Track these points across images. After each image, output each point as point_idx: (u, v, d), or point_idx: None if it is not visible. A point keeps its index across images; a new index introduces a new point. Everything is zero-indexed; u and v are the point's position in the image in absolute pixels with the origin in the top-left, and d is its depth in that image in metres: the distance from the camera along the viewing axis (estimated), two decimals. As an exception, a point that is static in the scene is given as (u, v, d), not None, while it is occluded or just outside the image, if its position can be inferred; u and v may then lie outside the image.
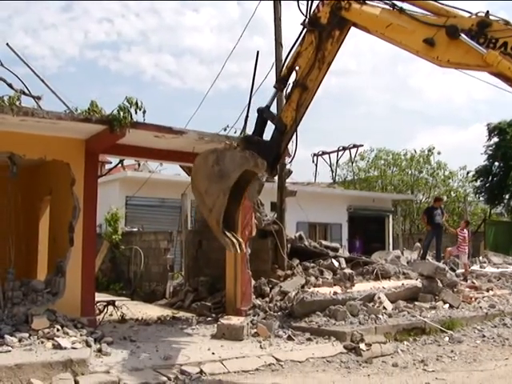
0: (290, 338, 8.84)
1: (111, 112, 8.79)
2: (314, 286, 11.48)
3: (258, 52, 13.64)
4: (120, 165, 18.62)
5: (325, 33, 7.06)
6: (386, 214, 28.59)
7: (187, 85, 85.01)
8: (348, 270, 12.52)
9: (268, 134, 7.78)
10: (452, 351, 8.63)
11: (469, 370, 7.59)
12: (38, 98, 10.36)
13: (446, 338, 9.46)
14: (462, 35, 6.00)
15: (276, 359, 7.73)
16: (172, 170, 22.33)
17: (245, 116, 12.30)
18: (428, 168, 39.01)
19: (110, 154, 12.15)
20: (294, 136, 7.56)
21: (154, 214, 20.29)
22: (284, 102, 8.63)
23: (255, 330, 9.18)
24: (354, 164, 38.04)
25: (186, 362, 7.33)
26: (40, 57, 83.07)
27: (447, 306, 11.36)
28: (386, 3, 6.64)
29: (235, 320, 9.43)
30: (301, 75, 7.29)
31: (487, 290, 13.65)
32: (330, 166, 35.41)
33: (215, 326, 9.47)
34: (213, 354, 7.77)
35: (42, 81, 11.52)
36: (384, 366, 7.80)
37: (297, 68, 7.38)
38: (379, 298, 10.65)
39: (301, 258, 12.96)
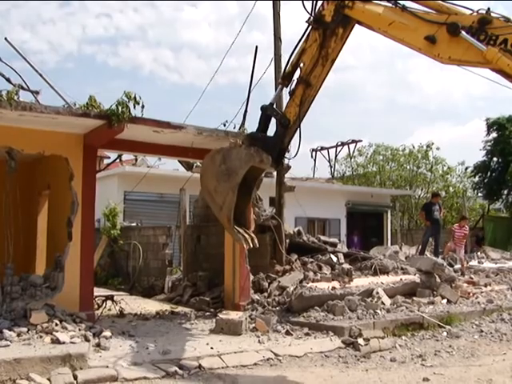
0: (288, 333, 8.86)
1: (110, 107, 8.78)
2: (313, 281, 11.49)
3: (256, 47, 13.70)
4: (118, 160, 18.63)
5: (329, 30, 7.20)
6: (384, 210, 28.61)
7: (186, 80, 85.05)
8: (346, 265, 12.54)
9: (271, 131, 7.89)
10: (450, 346, 8.65)
11: (467, 365, 7.60)
12: (36, 93, 10.35)
13: (444, 333, 9.47)
14: (463, 32, 6.08)
15: (274, 354, 7.74)
16: (170, 165, 22.27)
17: (244, 111, 12.34)
18: (426, 163, 38.99)
19: (109, 149, 12.15)
20: (298, 131, 7.67)
21: (152, 208, 20.29)
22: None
23: (254, 325, 9.19)
24: (352, 159, 38.09)
25: (184, 356, 7.33)
26: (38, 51, 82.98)
27: (445, 301, 11.38)
28: (389, 1, 6.73)
29: (234, 315, 9.46)
30: (305, 72, 7.42)
31: (485, 286, 13.68)
32: (329, 162, 35.47)
33: (214, 320, 9.49)
34: (211, 348, 7.78)
35: (41, 75, 11.52)
36: (382, 360, 7.81)
37: (301, 65, 7.48)
38: (377, 293, 10.66)
39: (299, 253, 12.98)
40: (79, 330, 7.90)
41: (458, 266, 15.72)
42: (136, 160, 24.13)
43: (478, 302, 11.69)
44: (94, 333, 7.92)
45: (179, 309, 11.62)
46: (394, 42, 6.74)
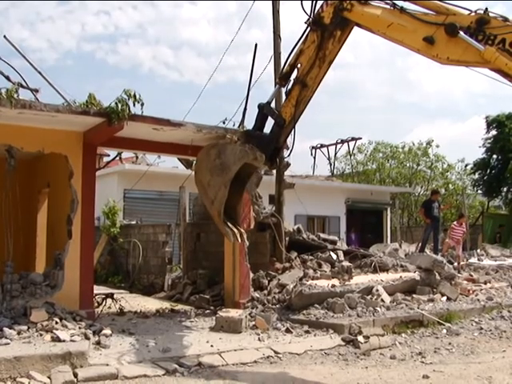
0: (288, 331, 8.87)
1: (109, 104, 8.77)
2: (312, 279, 11.49)
3: (256, 45, 13.66)
4: (118, 158, 18.61)
5: (327, 32, 7.23)
6: (384, 207, 28.61)
7: (185, 77, 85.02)
8: (346, 263, 12.53)
9: (268, 129, 7.94)
10: (450, 343, 8.66)
11: (466, 363, 7.61)
12: (35, 91, 10.33)
13: (444, 331, 9.49)
14: (461, 33, 6.11)
15: (274, 351, 7.75)
16: (170, 163, 22.38)
17: (243, 109, 12.31)
18: (426, 161, 39.00)
19: (108, 147, 12.14)
20: (293, 131, 7.75)
21: (152, 206, 20.28)
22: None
23: (253, 323, 9.20)
24: (352, 157, 38.08)
25: (184, 354, 7.35)
26: (37, 49, 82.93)
27: (445, 298, 11.40)
28: (387, 3, 6.76)
29: (234, 313, 9.45)
30: (301, 73, 7.46)
31: (485, 283, 13.68)
32: (329, 159, 35.43)
33: (214, 318, 9.49)
34: (211, 346, 7.79)
35: (40, 73, 11.50)
36: (382, 358, 7.82)
37: (298, 65, 7.53)
38: (377, 290, 10.67)
39: (299, 251, 12.99)
40: (79, 328, 7.89)
41: (456, 264, 15.74)
42: (136, 158, 24.13)
43: (478, 300, 11.70)
44: (94, 331, 7.92)
45: (179, 307, 11.62)
46: (394, 43, 6.77)
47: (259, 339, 8.34)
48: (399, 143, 39.68)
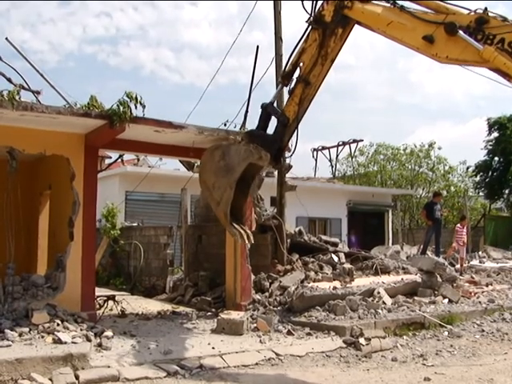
0: (289, 333, 8.86)
1: (111, 107, 8.78)
2: (314, 281, 11.50)
3: (257, 47, 13.70)
4: (120, 160, 18.64)
5: (328, 30, 7.27)
6: (385, 209, 28.58)
7: (186, 80, 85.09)
8: (347, 265, 12.54)
9: (271, 130, 7.95)
10: (451, 346, 8.65)
11: (468, 365, 7.60)
12: (37, 93, 10.33)
13: (446, 333, 9.48)
14: (460, 32, 6.15)
15: (276, 354, 7.74)
16: (172, 165, 22.35)
17: (245, 111, 12.33)
18: (428, 163, 38.99)
19: (110, 149, 12.16)
20: (296, 131, 7.74)
21: (153, 208, 20.30)
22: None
23: (255, 325, 9.19)
24: (353, 159, 38.10)
25: (186, 356, 7.35)
26: (39, 51, 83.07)
27: (446, 300, 11.38)
28: (388, 1, 6.80)
29: (235, 315, 9.46)
30: (304, 71, 7.49)
31: (486, 285, 13.67)
32: (330, 161, 35.53)
33: (215, 320, 9.50)
34: (213, 348, 7.79)
35: (42, 75, 11.50)
36: (383, 360, 7.81)
37: (301, 64, 7.56)
38: (379, 292, 10.66)
39: (300, 253, 12.98)
40: (81, 329, 7.90)
41: (458, 266, 15.73)
42: (137, 160, 24.15)
43: (480, 302, 11.68)
44: (95, 333, 7.92)
45: (181, 309, 11.63)
46: (393, 41, 6.80)
47: (261, 341, 8.34)
48: (401, 145, 39.73)
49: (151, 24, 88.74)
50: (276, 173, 12.95)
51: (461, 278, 13.84)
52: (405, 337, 9.14)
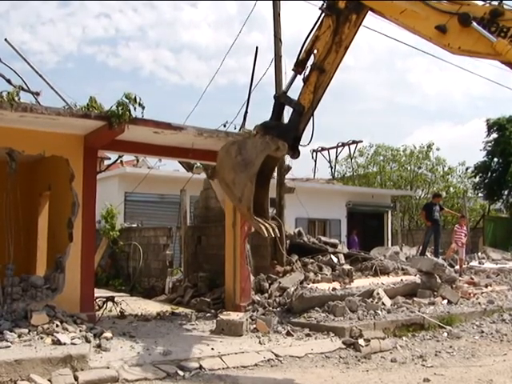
0: (289, 334, 8.86)
1: (110, 108, 8.77)
2: (313, 282, 11.50)
3: (257, 48, 13.73)
4: (119, 161, 18.64)
5: (342, 17, 7.21)
6: (384, 210, 28.58)
7: (185, 80, 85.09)
8: (347, 266, 12.54)
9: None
10: (450, 347, 8.65)
11: (467, 366, 7.61)
12: (36, 94, 10.33)
13: (445, 334, 9.48)
14: (474, 23, 6.10)
15: (275, 355, 7.74)
16: (171, 166, 22.29)
17: (244, 111, 12.33)
18: (427, 164, 39.02)
19: (109, 150, 12.14)
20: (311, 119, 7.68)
21: (153, 209, 20.30)
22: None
23: (254, 326, 9.20)
24: (352, 160, 38.11)
25: (185, 357, 7.34)
26: (38, 52, 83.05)
27: (446, 301, 11.39)
28: None
29: (234, 316, 9.45)
30: (318, 58, 7.42)
31: (486, 286, 13.69)
32: (329, 162, 35.50)
33: (214, 321, 9.50)
34: (212, 349, 7.79)
35: (41, 76, 11.51)
36: (383, 361, 7.82)
37: (315, 51, 7.50)
38: (378, 293, 10.67)
39: (300, 254, 12.98)
40: (80, 331, 7.90)
41: (457, 267, 15.73)
42: (137, 161, 24.16)
43: (479, 303, 11.70)
44: (94, 334, 7.92)
45: (180, 310, 11.63)
46: (405, 30, 6.75)
47: (260, 342, 8.34)
48: (400, 146, 39.76)
49: (150, 25, 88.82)
50: (275, 174, 12.93)
51: (460, 278, 13.85)
52: (404, 338, 9.15)
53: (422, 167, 39.15)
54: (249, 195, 7.31)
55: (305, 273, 12.13)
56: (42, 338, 7.37)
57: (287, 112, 7.85)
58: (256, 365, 7.38)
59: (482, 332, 9.75)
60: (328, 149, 34.93)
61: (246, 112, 13.06)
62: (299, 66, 7.72)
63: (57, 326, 7.80)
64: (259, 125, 7.96)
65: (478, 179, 33.79)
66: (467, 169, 36.46)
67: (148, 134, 9.64)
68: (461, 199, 34.43)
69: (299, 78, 7.73)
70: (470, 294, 12.35)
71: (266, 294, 11.31)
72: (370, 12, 7.15)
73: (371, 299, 10.46)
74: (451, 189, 38.59)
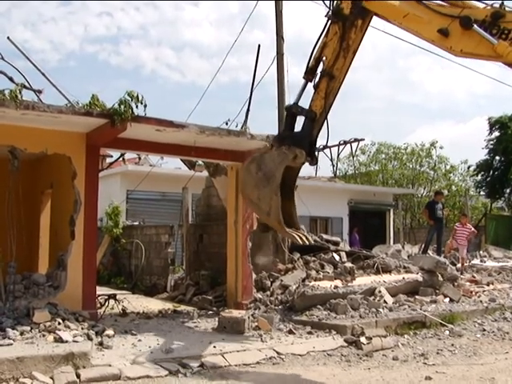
0: (290, 332, 8.86)
1: (112, 106, 8.77)
2: (315, 280, 11.50)
3: (259, 46, 13.74)
4: (121, 159, 18.64)
5: (348, 23, 7.34)
6: (386, 208, 28.56)
7: (187, 78, 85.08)
8: (349, 264, 12.54)
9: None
10: (452, 345, 8.65)
11: (469, 364, 7.60)
12: (38, 92, 10.34)
13: (447, 332, 9.48)
14: (475, 26, 6.16)
15: (277, 352, 7.74)
16: (173, 164, 22.39)
17: (246, 109, 12.32)
18: (429, 162, 38.98)
19: (111, 148, 12.14)
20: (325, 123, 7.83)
21: (155, 207, 20.31)
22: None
23: (256, 324, 9.19)
24: (354, 158, 38.04)
25: (187, 355, 7.34)
26: (40, 50, 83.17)
27: (448, 299, 11.38)
28: None
29: (236, 314, 9.45)
30: (327, 65, 7.56)
31: (488, 284, 13.66)
32: (331, 160, 35.27)
33: (216, 319, 9.50)
34: (214, 347, 7.79)
35: (43, 74, 11.50)
36: (384, 359, 7.81)
37: (323, 58, 7.62)
38: (380, 291, 10.66)
39: (302, 252, 12.98)
40: (82, 328, 7.90)
41: (459, 265, 15.70)
42: (139, 159, 24.15)
43: (481, 301, 11.69)
44: (96, 331, 7.92)
45: (182, 307, 11.64)
46: (409, 33, 6.86)
47: (262, 340, 8.34)
48: (402, 144, 39.71)
49: (152, 23, 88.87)
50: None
51: (462, 277, 13.82)
52: (406, 336, 9.14)
53: (424, 165, 39.11)
54: (276, 208, 7.40)
55: (307, 271, 12.13)
56: (44, 336, 7.38)
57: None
58: (258, 363, 7.38)
59: (484, 330, 9.75)
60: (330, 147, 34.77)
61: (248, 110, 13.10)
62: (309, 74, 7.84)
63: (59, 323, 7.80)
64: (274, 137, 8.19)
65: (479, 177, 33.76)
66: (469, 167, 36.45)
67: (150, 132, 9.64)
68: (463, 197, 34.38)
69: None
70: (471, 292, 12.33)
71: (268, 292, 11.32)
72: (375, 17, 7.27)
73: (373, 297, 10.46)
74: (453, 187, 38.54)
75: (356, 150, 36.39)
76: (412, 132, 72.69)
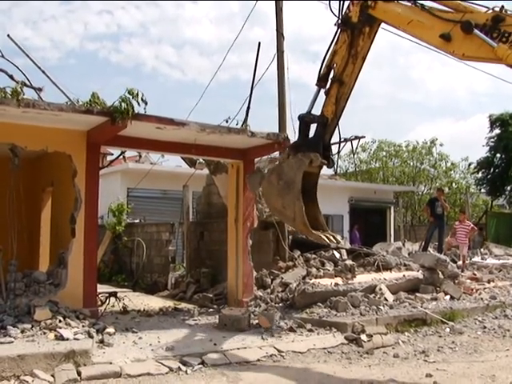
0: (291, 329, 8.85)
1: (113, 103, 8.75)
2: (316, 278, 11.49)
3: (259, 43, 13.72)
4: (121, 156, 18.63)
5: (356, 30, 7.67)
6: (387, 206, 28.55)
7: (188, 76, 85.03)
8: (349, 262, 12.52)
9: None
10: (453, 342, 8.65)
11: (469, 361, 7.60)
12: (39, 90, 10.34)
13: (447, 329, 9.47)
14: (475, 30, 6.31)
15: (277, 350, 7.74)
16: (173, 162, 22.25)
17: (246, 107, 12.32)
18: (430, 159, 38.96)
19: (112, 146, 12.13)
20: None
21: (155, 205, 20.31)
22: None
23: (257, 321, 9.20)
24: (355, 155, 38.03)
25: (187, 352, 7.34)
26: (40, 48, 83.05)
27: (448, 297, 11.38)
28: (409, 1, 7.12)
29: (237, 311, 9.46)
30: (337, 71, 7.89)
31: (488, 282, 13.66)
32: (332, 158, 35.34)
33: (217, 317, 9.51)
34: (215, 344, 7.80)
35: (43, 72, 11.50)
36: (385, 356, 7.81)
37: (334, 65, 7.93)
38: (380, 289, 10.67)
39: (302, 250, 12.99)
40: (83, 326, 7.91)
41: (460, 263, 15.70)
42: (139, 157, 24.14)
43: (481, 298, 11.69)
44: (97, 329, 7.93)
45: (182, 305, 11.65)
46: (414, 39, 7.12)
47: (262, 338, 8.34)
48: (403, 142, 39.70)
49: (152, 21, 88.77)
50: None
51: (462, 274, 13.83)
52: (406, 333, 9.14)
53: (425, 163, 39.11)
54: (300, 213, 7.65)
55: (307, 268, 12.14)
56: (44, 334, 7.38)
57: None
58: (258, 360, 7.38)
59: (485, 327, 9.74)
60: (330, 144, 34.82)
61: (249, 108, 13.05)
62: (322, 81, 8.13)
63: (60, 321, 7.81)
64: (288, 147, 8.58)
65: (480, 175, 33.74)
66: (470, 164, 36.45)
67: (151, 130, 9.64)
68: (463, 195, 34.39)
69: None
70: (472, 289, 12.33)
71: (269, 290, 11.33)
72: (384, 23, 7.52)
73: (373, 295, 10.46)
74: (454, 184, 38.55)
75: (357, 148, 36.54)
76: (412, 129, 72.69)
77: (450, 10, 6.79)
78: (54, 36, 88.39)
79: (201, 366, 6.99)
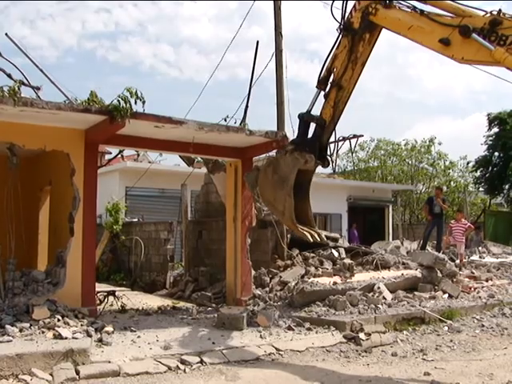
0: (289, 328, 8.86)
1: (111, 102, 8.75)
2: (314, 276, 11.50)
3: (257, 42, 13.74)
4: (120, 155, 18.63)
5: (357, 36, 7.77)
6: (385, 204, 28.59)
7: (186, 75, 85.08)
8: (348, 260, 12.54)
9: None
10: (451, 341, 8.66)
11: (468, 360, 7.62)
12: (37, 89, 10.32)
13: (445, 328, 9.48)
14: (473, 34, 6.39)
15: (276, 349, 7.75)
16: (172, 161, 22.36)
17: (245, 106, 12.32)
18: (428, 158, 38.99)
19: (110, 145, 12.12)
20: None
21: (154, 204, 20.32)
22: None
23: (255, 320, 9.19)
24: (354, 154, 38.07)
25: (186, 351, 7.35)
26: (38, 47, 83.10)
27: (446, 295, 11.39)
28: (409, 7, 7.21)
29: (235, 310, 9.47)
30: (337, 76, 8.03)
31: (486, 280, 13.67)
32: (330, 156, 35.36)
33: (215, 315, 9.51)
34: (213, 343, 7.80)
35: (41, 71, 11.47)
36: (383, 355, 7.83)
37: (334, 69, 8.06)
38: (379, 287, 10.67)
39: (301, 248, 12.99)
40: (81, 325, 7.91)
41: (458, 261, 15.71)
42: (137, 155, 24.14)
43: (480, 297, 11.70)
44: (95, 328, 7.93)
45: (181, 304, 11.65)
46: (415, 43, 7.14)
47: (261, 336, 8.34)
48: (401, 140, 39.72)
49: (150, 20, 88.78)
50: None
51: (461, 273, 13.83)
52: (405, 332, 9.15)
53: (423, 161, 39.13)
54: (290, 208, 7.96)
55: (306, 267, 12.14)
56: (43, 333, 7.38)
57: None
58: (257, 359, 7.39)
59: (483, 326, 9.75)
60: (329, 143, 34.85)
61: (247, 106, 13.07)
62: (321, 84, 8.25)
63: (58, 320, 7.81)
64: (288, 143, 8.84)
65: (478, 173, 33.81)
66: (468, 163, 36.50)
67: (149, 129, 9.63)
68: (462, 193, 34.42)
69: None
70: (470, 288, 12.35)
71: (267, 289, 11.33)
72: (385, 29, 7.60)
73: (372, 293, 10.47)
74: (452, 183, 38.57)
75: (355, 146, 36.40)
76: (410, 128, 72.73)
77: (448, 14, 6.85)
78: (52, 35, 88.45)
79: (199, 364, 7.00)
